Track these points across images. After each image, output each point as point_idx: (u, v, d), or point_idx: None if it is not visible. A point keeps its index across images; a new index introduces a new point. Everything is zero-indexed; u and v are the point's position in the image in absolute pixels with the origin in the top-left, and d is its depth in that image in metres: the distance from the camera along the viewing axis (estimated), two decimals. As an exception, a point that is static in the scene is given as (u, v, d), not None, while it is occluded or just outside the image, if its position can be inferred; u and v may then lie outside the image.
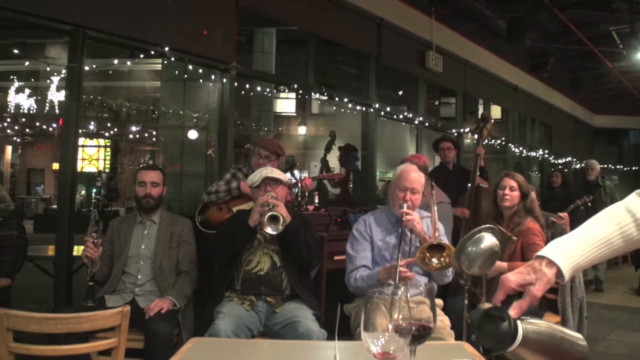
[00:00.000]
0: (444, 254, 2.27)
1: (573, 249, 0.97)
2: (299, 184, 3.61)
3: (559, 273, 0.95)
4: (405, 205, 2.40)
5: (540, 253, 0.98)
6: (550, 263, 0.95)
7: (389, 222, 2.57)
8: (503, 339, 0.90)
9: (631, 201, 1.03)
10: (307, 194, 3.82)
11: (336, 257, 3.27)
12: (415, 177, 2.48)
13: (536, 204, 2.99)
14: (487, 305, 0.95)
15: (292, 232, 2.42)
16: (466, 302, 2.50)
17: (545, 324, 0.94)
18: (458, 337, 2.36)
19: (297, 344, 1.94)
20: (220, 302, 2.40)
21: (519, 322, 0.91)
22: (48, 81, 13.84)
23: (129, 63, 9.89)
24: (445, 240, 2.45)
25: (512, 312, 0.91)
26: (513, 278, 0.95)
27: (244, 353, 1.54)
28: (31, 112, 14.49)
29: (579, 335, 0.99)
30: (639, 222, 0.99)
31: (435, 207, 2.55)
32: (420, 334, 1.10)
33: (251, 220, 2.42)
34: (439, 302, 2.60)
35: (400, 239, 2.40)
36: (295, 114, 16.93)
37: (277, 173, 2.58)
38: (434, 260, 2.27)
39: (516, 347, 0.90)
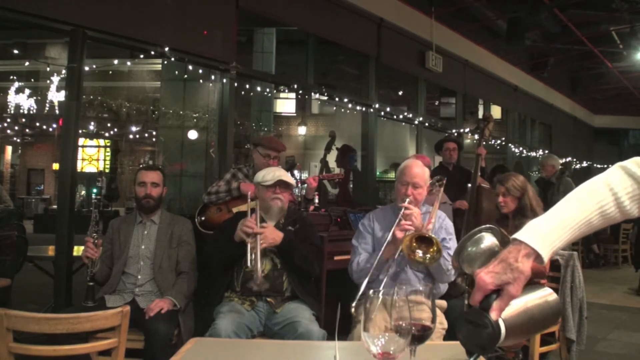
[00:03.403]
0: (431, 250, 2.22)
1: (552, 233, 0.94)
2: (299, 184, 3.61)
3: (538, 257, 0.92)
4: (407, 199, 2.40)
5: (518, 237, 0.94)
6: (528, 253, 0.92)
7: (393, 217, 2.58)
8: (488, 344, 0.90)
9: (613, 177, 0.99)
10: (316, 193, 3.77)
11: (336, 257, 3.26)
12: (418, 171, 2.48)
13: (535, 203, 2.95)
14: None
15: (286, 251, 2.42)
16: (466, 302, 2.50)
17: (520, 305, 0.94)
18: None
19: (297, 344, 1.94)
20: (220, 303, 2.40)
21: (500, 320, 0.90)
22: (48, 81, 13.84)
23: (128, 63, 9.86)
24: (434, 236, 2.41)
25: (493, 314, 0.90)
26: (489, 280, 0.91)
27: (243, 353, 1.54)
28: (31, 112, 14.49)
29: (546, 291, 0.99)
30: (619, 200, 0.96)
31: (438, 204, 2.56)
32: (420, 334, 1.09)
33: (236, 237, 2.40)
34: (442, 303, 2.59)
35: (395, 225, 2.37)
36: (295, 114, 16.93)
37: (289, 178, 2.58)
38: (419, 252, 2.22)
39: (500, 343, 0.91)
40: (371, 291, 1.07)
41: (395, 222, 2.34)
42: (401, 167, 2.56)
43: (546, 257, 0.92)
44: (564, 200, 0.99)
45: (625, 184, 0.97)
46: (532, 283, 0.94)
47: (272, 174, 2.54)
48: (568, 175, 5.96)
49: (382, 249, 2.38)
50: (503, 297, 0.91)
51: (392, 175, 14.50)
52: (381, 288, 1.04)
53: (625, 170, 0.99)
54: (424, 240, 2.25)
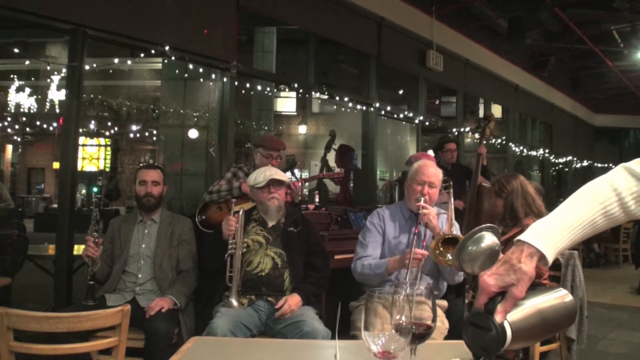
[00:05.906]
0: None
1: (556, 233, 0.93)
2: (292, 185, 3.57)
3: (542, 258, 0.91)
4: (422, 199, 2.40)
5: (522, 238, 0.93)
6: (532, 253, 0.91)
7: (402, 218, 2.57)
8: (492, 347, 0.89)
9: (617, 178, 0.97)
10: (316, 192, 3.75)
11: (337, 257, 3.26)
12: (433, 171, 2.49)
13: (520, 204, 2.73)
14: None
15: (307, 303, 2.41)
16: (466, 301, 2.50)
17: (530, 307, 0.92)
18: (459, 337, 2.35)
19: (298, 343, 1.94)
20: (220, 302, 2.40)
21: (505, 323, 0.89)
22: (48, 80, 13.82)
23: (129, 62, 9.82)
24: (459, 234, 2.41)
25: (498, 317, 0.89)
26: (492, 282, 0.90)
27: (244, 352, 1.54)
28: (32, 111, 14.47)
29: (561, 293, 0.96)
30: (623, 201, 0.95)
31: (453, 206, 2.55)
32: (420, 333, 1.09)
33: (224, 236, 2.43)
34: (443, 303, 2.58)
35: (414, 231, 2.38)
36: (295, 113, 16.92)
37: (280, 174, 2.58)
38: (448, 255, 2.22)
39: (507, 346, 0.89)
40: (370, 290, 1.07)
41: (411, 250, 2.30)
42: (415, 166, 2.54)
43: (550, 256, 0.91)
44: (567, 201, 0.98)
45: (629, 184, 0.96)
46: (533, 283, 0.93)
47: (263, 174, 2.54)
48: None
49: (387, 261, 2.38)
50: (507, 299, 0.90)
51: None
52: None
53: (629, 170, 0.98)
54: (449, 243, 2.24)
